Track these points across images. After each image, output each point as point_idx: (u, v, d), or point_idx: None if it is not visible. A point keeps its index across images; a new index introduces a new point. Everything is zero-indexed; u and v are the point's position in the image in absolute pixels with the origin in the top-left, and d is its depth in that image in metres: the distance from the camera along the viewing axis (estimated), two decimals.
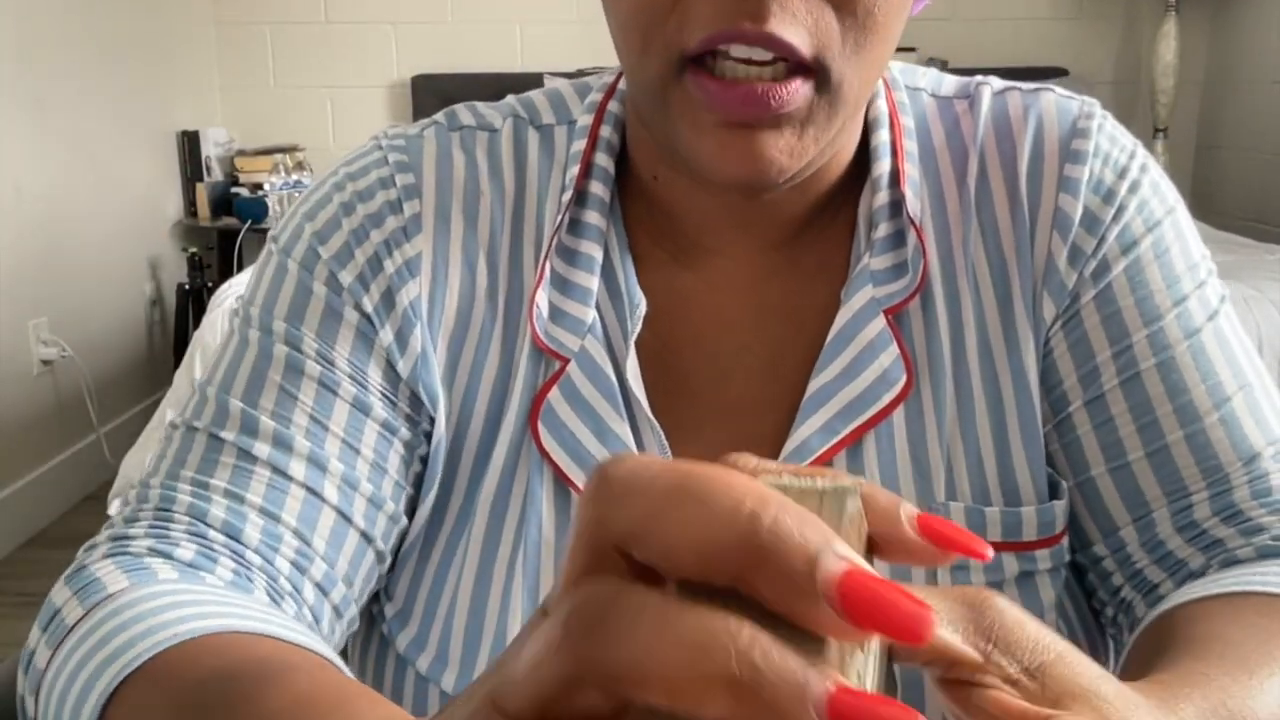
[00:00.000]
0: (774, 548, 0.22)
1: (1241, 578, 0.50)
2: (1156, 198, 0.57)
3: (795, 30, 0.45)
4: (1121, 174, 0.57)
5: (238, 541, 0.51)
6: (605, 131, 0.59)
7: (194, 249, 3.35)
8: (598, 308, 0.56)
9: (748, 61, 0.46)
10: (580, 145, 0.58)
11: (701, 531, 0.23)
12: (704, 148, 0.48)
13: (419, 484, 0.57)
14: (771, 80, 0.46)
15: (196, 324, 2.64)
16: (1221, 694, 0.38)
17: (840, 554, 0.23)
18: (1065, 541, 0.56)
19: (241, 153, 3.58)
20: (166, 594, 0.45)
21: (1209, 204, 3.41)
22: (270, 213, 3.31)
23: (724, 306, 0.58)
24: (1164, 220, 0.57)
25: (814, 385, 0.55)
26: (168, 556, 0.49)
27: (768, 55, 0.46)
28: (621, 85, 0.60)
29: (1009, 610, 0.30)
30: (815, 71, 0.47)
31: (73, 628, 0.45)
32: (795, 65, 0.46)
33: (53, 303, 2.84)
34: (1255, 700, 0.39)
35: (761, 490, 0.23)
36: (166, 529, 0.51)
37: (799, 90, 0.47)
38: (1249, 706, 0.39)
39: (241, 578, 0.50)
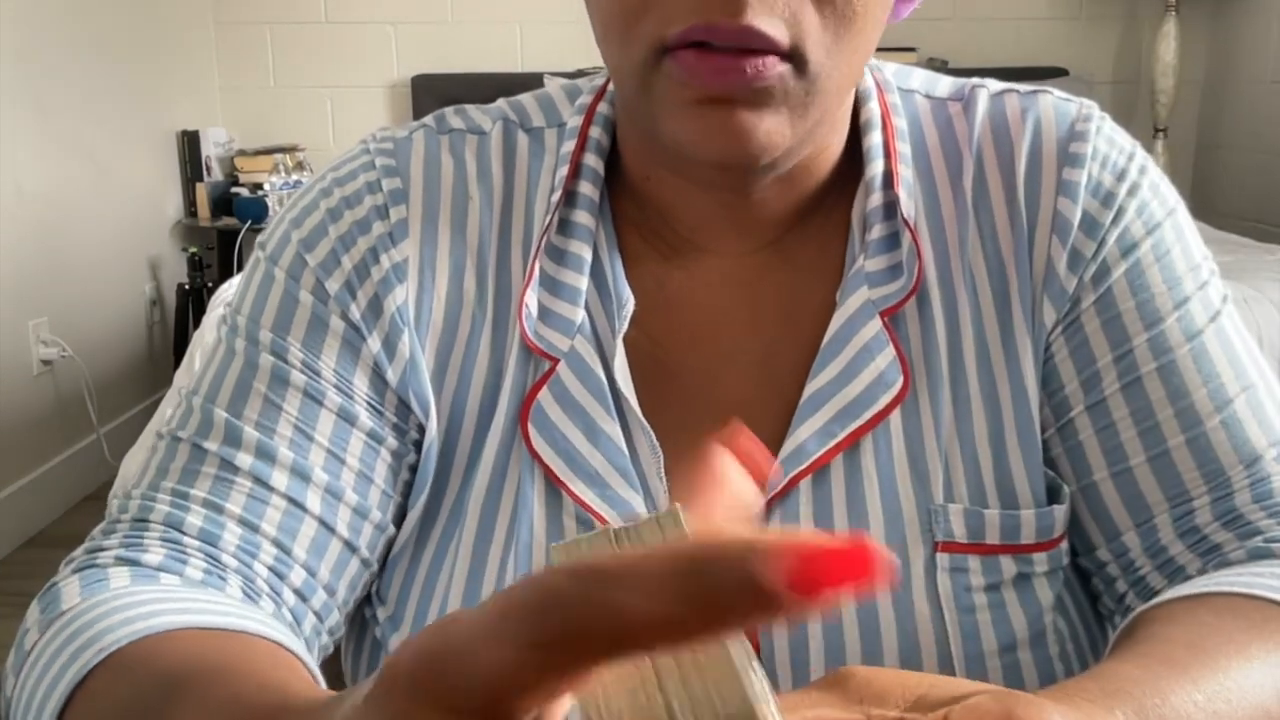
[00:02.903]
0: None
1: (1216, 578, 0.50)
2: (1156, 200, 0.57)
3: (772, 22, 0.46)
4: (1120, 176, 0.56)
5: (214, 547, 0.51)
6: (595, 133, 0.59)
7: (194, 249, 3.35)
8: (587, 307, 0.56)
9: (726, 49, 0.47)
10: (570, 146, 0.58)
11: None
12: (685, 126, 0.49)
13: (408, 492, 0.57)
14: (750, 54, 0.47)
15: (196, 324, 2.64)
16: (1140, 692, 0.39)
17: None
18: (1064, 545, 0.56)
19: (241, 153, 3.58)
20: (108, 601, 0.45)
21: (1209, 204, 3.41)
22: (270, 213, 3.30)
23: (716, 305, 0.58)
24: (1164, 222, 0.57)
25: (810, 388, 0.55)
26: (134, 562, 0.49)
27: (746, 48, 0.46)
28: (611, 87, 0.60)
29: (864, 671, 0.34)
30: (793, 59, 0.47)
31: (30, 651, 0.46)
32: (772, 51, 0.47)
33: (53, 303, 2.84)
34: (1176, 696, 0.40)
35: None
36: (140, 538, 0.51)
37: (774, 66, 0.47)
38: (1170, 704, 0.40)
39: (214, 577, 0.50)
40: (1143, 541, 0.55)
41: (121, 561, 0.50)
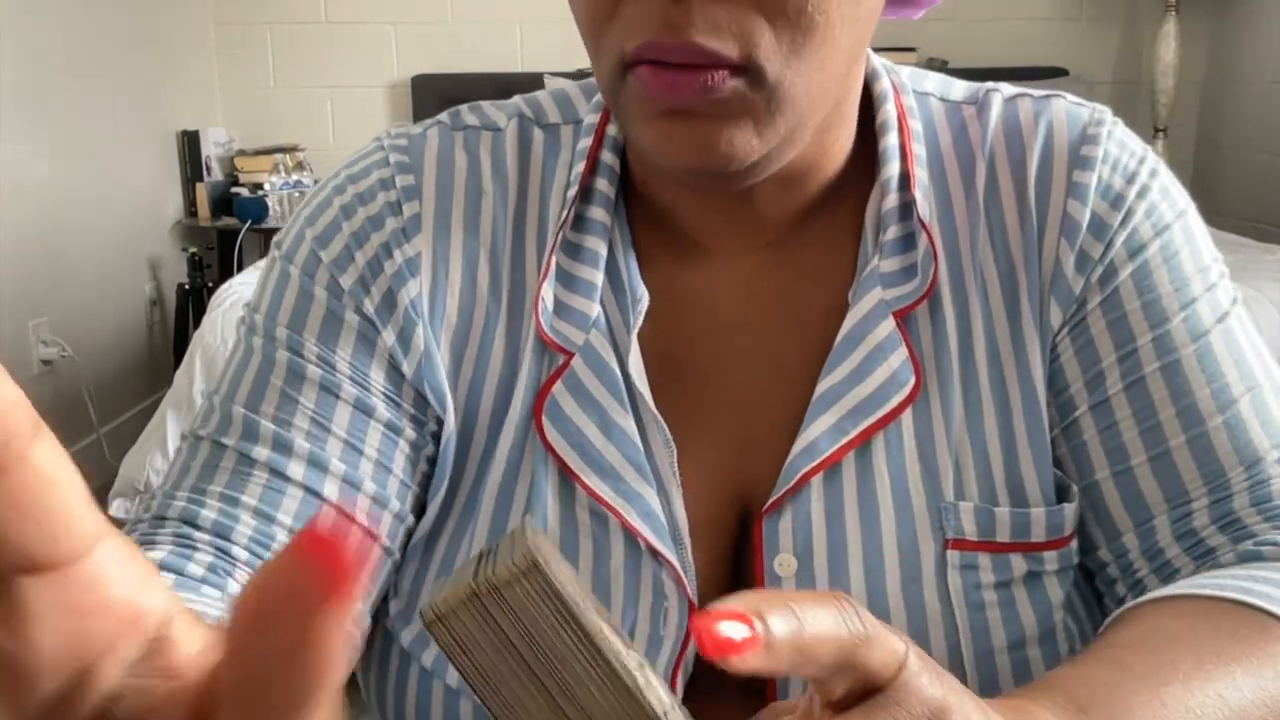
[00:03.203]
0: None
1: (1194, 580, 0.50)
2: (1166, 202, 0.57)
3: (719, 38, 0.46)
4: (1130, 179, 0.57)
5: (226, 540, 0.51)
6: (611, 130, 0.59)
7: (194, 249, 3.34)
8: (602, 303, 0.57)
9: (681, 67, 0.47)
10: (587, 143, 0.59)
11: None
12: (650, 137, 0.49)
13: (426, 484, 0.58)
14: (702, 67, 0.47)
15: (196, 324, 2.63)
16: (1070, 685, 0.41)
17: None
18: (1074, 544, 0.56)
19: (241, 153, 3.58)
20: None
21: (1209, 204, 3.41)
22: (270, 213, 3.30)
23: (724, 304, 0.58)
24: (1173, 224, 0.57)
25: (823, 386, 0.55)
26: None
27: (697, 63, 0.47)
28: None
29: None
30: (748, 71, 0.47)
31: None
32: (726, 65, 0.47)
33: (53, 303, 2.84)
34: (1110, 686, 0.41)
35: None
36: (154, 535, 0.51)
37: (725, 80, 0.47)
38: (1104, 691, 0.40)
39: (217, 573, 0.50)
40: (1141, 543, 0.55)
41: None
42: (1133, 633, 0.46)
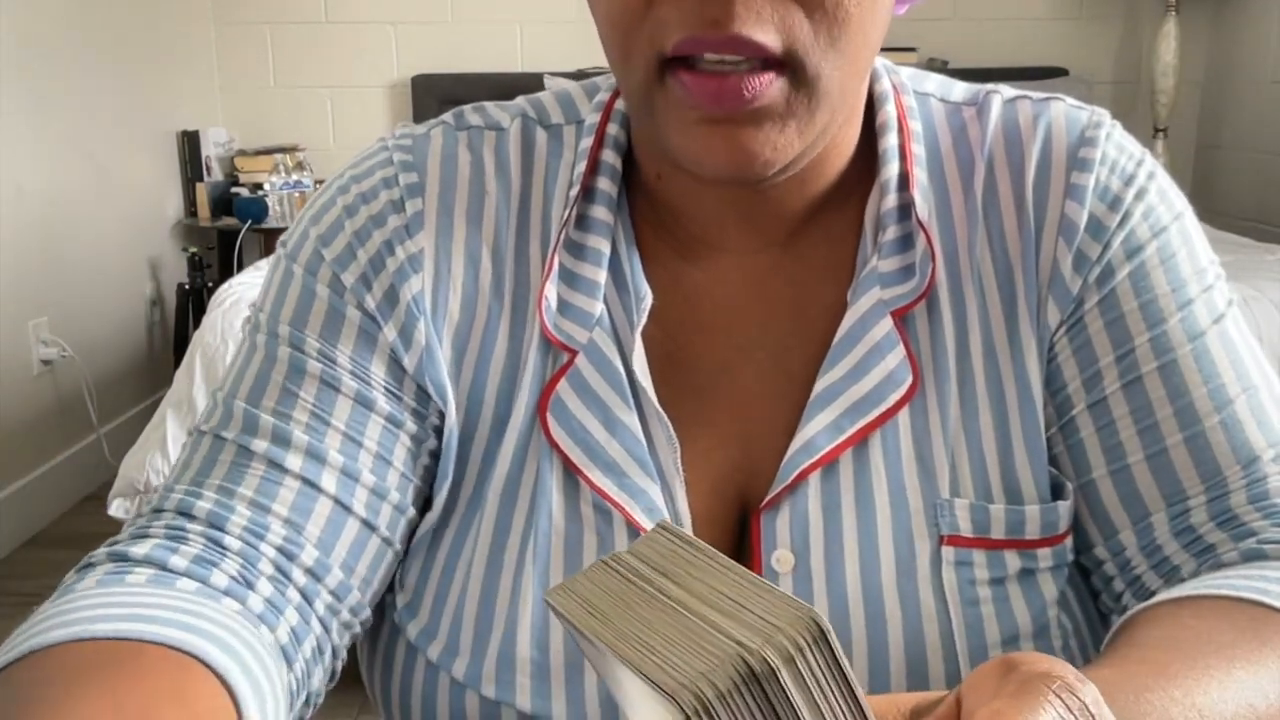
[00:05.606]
0: None
1: (1206, 581, 0.50)
2: (1163, 204, 0.58)
3: (762, 29, 0.46)
4: (1128, 181, 0.57)
5: (219, 530, 0.51)
6: (613, 129, 0.59)
7: (194, 249, 3.35)
8: (605, 301, 0.57)
9: (720, 63, 0.47)
10: (588, 143, 0.59)
11: None
12: (689, 145, 0.49)
13: (429, 479, 0.58)
14: (746, 73, 0.47)
15: (197, 324, 2.63)
16: (1112, 691, 0.40)
17: None
18: (1069, 541, 0.57)
19: (242, 153, 3.58)
20: (56, 608, 0.46)
21: (1209, 204, 3.41)
22: (270, 213, 3.30)
23: (729, 301, 0.58)
24: (1170, 226, 0.57)
25: (821, 384, 0.55)
26: (123, 557, 0.50)
27: (739, 57, 0.47)
28: None
29: None
30: (789, 66, 0.47)
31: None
32: (768, 62, 0.47)
33: (53, 303, 2.84)
34: (1152, 693, 0.40)
35: None
36: (147, 529, 0.52)
37: (772, 82, 0.47)
38: (1147, 699, 0.40)
39: (201, 565, 0.50)
40: (1139, 540, 0.56)
41: (113, 557, 0.50)
42: (1158, 634, 0.46)
